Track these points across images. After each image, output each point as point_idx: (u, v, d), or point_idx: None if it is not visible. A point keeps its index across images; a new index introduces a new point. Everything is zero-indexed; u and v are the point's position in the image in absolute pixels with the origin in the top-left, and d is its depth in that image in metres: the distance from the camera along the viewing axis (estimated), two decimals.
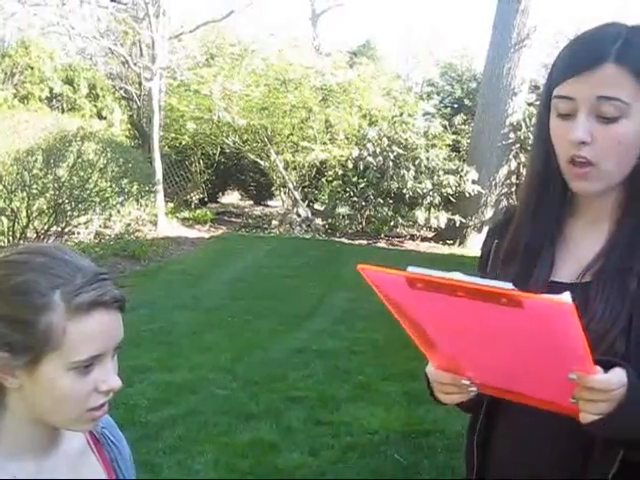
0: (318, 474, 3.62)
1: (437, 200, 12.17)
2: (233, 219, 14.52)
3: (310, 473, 3.64)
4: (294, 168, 13.88)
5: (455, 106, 15.05)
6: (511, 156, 12.25)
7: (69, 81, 15.89)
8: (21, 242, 7.51)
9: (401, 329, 1.16)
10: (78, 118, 13.50)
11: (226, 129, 13.81)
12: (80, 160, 8.63)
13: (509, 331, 1.01)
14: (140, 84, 14.17)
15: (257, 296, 7.69)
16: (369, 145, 12.42)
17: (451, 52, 17.77)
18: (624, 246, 1.21)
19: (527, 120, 12.02)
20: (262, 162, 14.00)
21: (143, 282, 8.20)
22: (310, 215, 13.34)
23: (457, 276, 0.99)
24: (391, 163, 12.21)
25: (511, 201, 12.45)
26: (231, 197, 17.45)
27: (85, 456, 1.18)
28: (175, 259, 10.04)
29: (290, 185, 13.57)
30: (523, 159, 12.38)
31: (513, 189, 12.52)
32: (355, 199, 12.69)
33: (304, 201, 13.93)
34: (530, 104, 12.43)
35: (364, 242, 12.15)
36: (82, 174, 8.56)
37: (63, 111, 15.02)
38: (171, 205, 13.46)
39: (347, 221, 12.91)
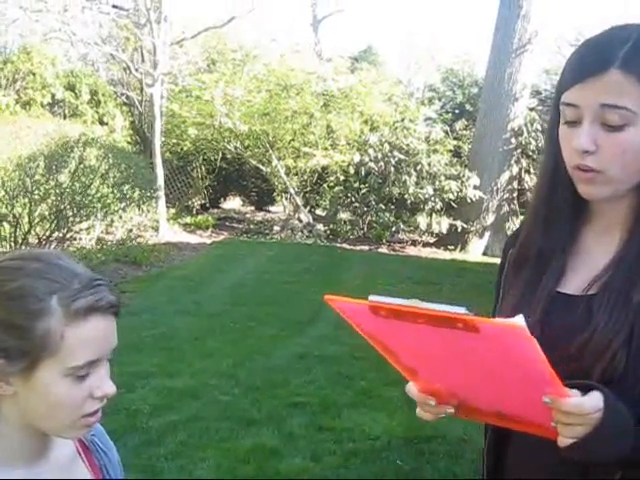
0: None
1: (439, 205, 12.17)
2: (235, 225, 14.51)
3: (312, 479, 3.63)
4: (296, 174, 13.90)
5: (456, 111, 15.06)
6: (512, 161, 12.26)
7: (71, 87, 15.89)
8: (23, 248, 7.51)
9: None
10: (80, 124, 13.50)
11: (228, 135, 13.82)
12: (82, 166, 8.63)
13: (475, 357, 1.01)
14: (142, 90, 14.19)
15: (259, 302, 7.68)
16: (370, 151, 12.44)
17: (452, 57, 17.83)
18: (633, 257, 1.19)
19: (528, 125, 12.05)
20: (264, 168, 14.01)
21: (145, 288, 8.20)
22: (312, 221, 13.35)
23: (415, 303, 0.97)
24: (392, 169, 12.23)
25: (513, 206, 12.47)
26: (233, 203, 17.45)
27: (75, 463, 1.18)
28: (177, 265, 10.04)
29: (292, 191, 13.58)
30: (525, 164, 12.40)
31: (515, 194, 12.53)
32: (357, 205, 12.70)
33: (306, 207, 13.95)
34: (531, 109, 12.45)
35: (366, 248, 12.15)
36: (84, 180, 8.56)
37: (65, 117, 15.04)
38: (173, 211, 13.47)
39: (349, 227, 12.93)
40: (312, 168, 13.71)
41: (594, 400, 1.03)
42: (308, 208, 14.10)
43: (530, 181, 12.36)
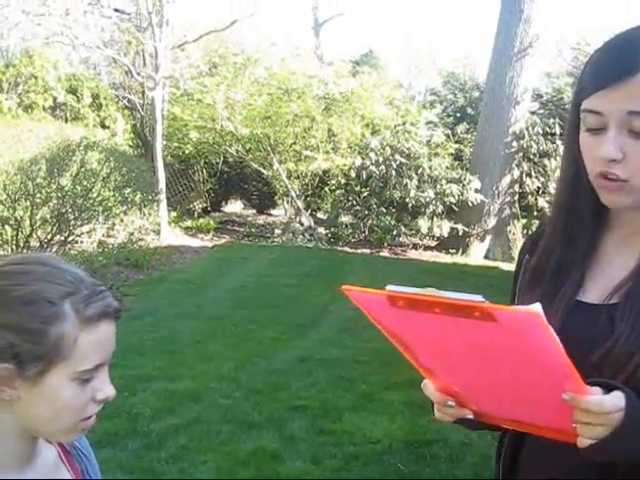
0: None
1: (440, 209, 12.17)
2: (236, 228, 14.52)
3: None
4: (297, 177, 13.91)
5: (458, 115, 15.06)
6: (514, 165, 12.26)
7: (73, 91, 15.96)
8: (24, 251, 7.51)
9: None
10: (81, 127, 13.56)
11: (229, 138, 13.83)
12: (83, 169, 8.63)
13: (492, 351, 0.99)
14: (143, 93, 14.20)
15: (260, 305, 7.68)
16: (372, 154, 12.44)
17: (453, 61, 17.82)
18: None
19: (530, 129, 12.05)
20: (265, 171, 14.01)
21: (146, 291, 8.21)
22: (313, 224, 13.35)
23: (431, 291, 0.96)
24: (394, 172, 12.23)
25: (514, 210, 12.47)
26: (234, 206, 17.46)
27: (59, 467, 1.18)
28: (178, 268, 10.04)
29: (293, 194, 13.58)
30: (526, 167, 12.40)
31: (516, 198, 12.53)
32: (358, 208, 12.70)
33: (307, 210, 13.95)
34: (533, 112, 12.46)
35: (367, 251, 12.15)
36: (85, 183, 8.56)
37: (66, 120, 15.09)
38: (174, 214, 13.46)
39: (350, 230, 12.93)
40: (313, 171, 13.72)
41: (615, 399, 1.00)
42: (309, 211, 14.10)
43: (531, 184, 12.37)
